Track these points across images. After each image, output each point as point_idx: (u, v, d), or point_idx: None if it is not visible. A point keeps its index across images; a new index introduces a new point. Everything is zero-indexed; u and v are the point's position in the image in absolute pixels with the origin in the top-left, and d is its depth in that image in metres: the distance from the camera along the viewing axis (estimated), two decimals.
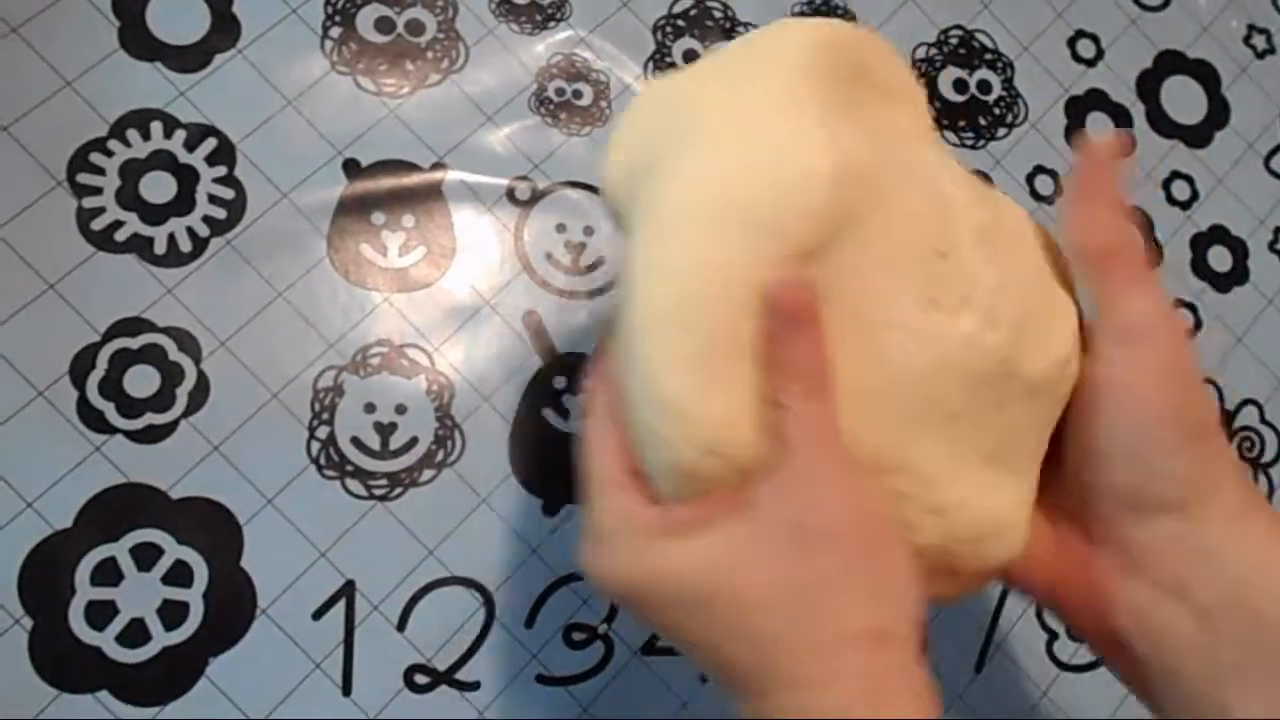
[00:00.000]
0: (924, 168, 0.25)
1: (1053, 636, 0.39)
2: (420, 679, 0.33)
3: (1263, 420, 0.44)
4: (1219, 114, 0.46)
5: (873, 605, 0.22)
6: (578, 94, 0.39)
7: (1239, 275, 0.45)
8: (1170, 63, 0.46)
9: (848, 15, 0.43)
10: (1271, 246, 0.46)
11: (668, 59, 0.40)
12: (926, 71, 0.43)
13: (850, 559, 0.22)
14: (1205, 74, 0.46)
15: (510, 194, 0.37)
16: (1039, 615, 0.39)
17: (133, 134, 0.35)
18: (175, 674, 0.31)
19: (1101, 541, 0.25)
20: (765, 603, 0.21)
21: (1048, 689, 0.39)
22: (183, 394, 0.33)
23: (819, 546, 0.21)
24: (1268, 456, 0.43)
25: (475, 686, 0.33)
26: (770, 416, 0.22)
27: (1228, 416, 0.43)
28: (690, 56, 0.41)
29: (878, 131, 0.25)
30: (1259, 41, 0.48)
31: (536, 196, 0.38)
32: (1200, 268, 0.44)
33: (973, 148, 0.43)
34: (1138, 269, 0.25)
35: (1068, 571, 0.26)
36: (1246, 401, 0.44)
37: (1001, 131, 0.43)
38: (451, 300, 0.36)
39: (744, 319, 0.22)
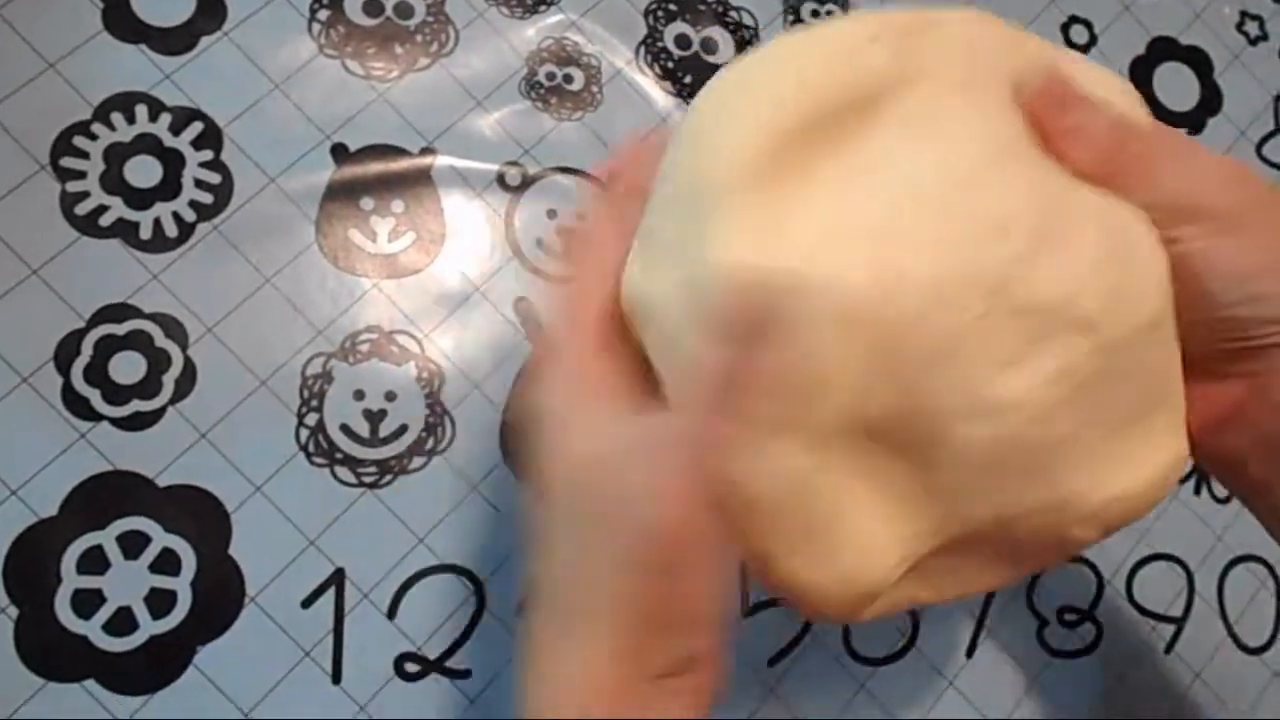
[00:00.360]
0: None
1: (1043, 623, 0.39)
2: (410, 667, 0.33)
3: None
4: (1211, 101, 0.46)
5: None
6: (569, 78, 0.39)
7: None
8: (1163, 49, 0.46)
9: (840, 2, 0.43)
10: None
11: (659, 43, 0.40)
12: None
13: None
14: (1198, 60, 0.46)
15: (500, 179, 0.37)
16: (1029, 601, 0.39)
17: (117, 117, 0.34)
18: (163, 663, 0.31)
19: (1231, 377, 0.25)
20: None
21: (1038, 674, 0.39)
22: (169, 381, 0.33)
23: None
24: None
25: (466, 675, 0.33)
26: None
27: None
28: (682, 41, 0.40)
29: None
30: (1251, 28, 0.47)
31: (527, 182, 0.37)
32: None
33: None
34: (1153, 152, 0.24)
35: (1209, 410, 0.26)
36: None
37: None
38: (441, 287, 0.36)
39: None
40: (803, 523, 0.23)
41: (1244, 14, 0.48)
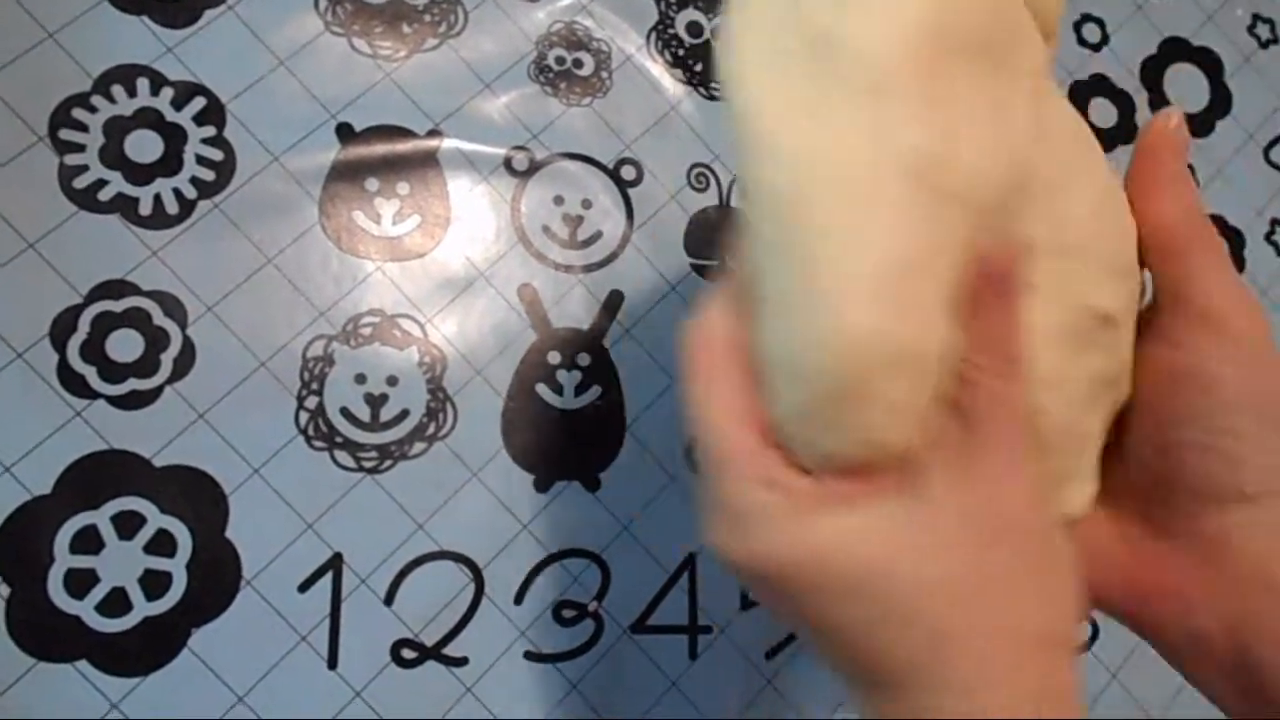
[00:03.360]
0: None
1: None
2: (407, 653, 0.33)
3: None
4: (1221, 103, 0.46)
5: (1045, 608, 0.20)
6: (578, 63, 0.38)
7: (1235, 265, 0.45)
8: (1174, 50, 0.46)
9: None
10: (1268, 238, 0.46)
11: (670, 29, 0.40)
12: None
13: (1027, 557, 0.20)
14: (1209, 62, 0.46)
15: (508, 164, 0.37)
16: None
17: (118, 90, 0.33)
18: (157, 644, 0.31)
19: (1177, 536, 0.24)
20: (943, 591, 0.19)
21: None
22: (167, 360, 0.32)
23: (998, 539, 0.20)
24: None
25: (463, 662, 0.33)
26: (955, 389, 0.20)
27: None
28: (694, 28, 0.40)
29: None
30: (1263, 31, 0.47)
31: (534, 167, 0.37)
32: None
33: None
34: (1218, 252, 0.24)
35: (1143, 574, 0.25)
36: None
37: None
38: (445, 271, 0.35)
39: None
40: None
41: (1256, 17, 0.47)
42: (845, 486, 0.20)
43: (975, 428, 0.20)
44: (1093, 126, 0.44)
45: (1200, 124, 0.46)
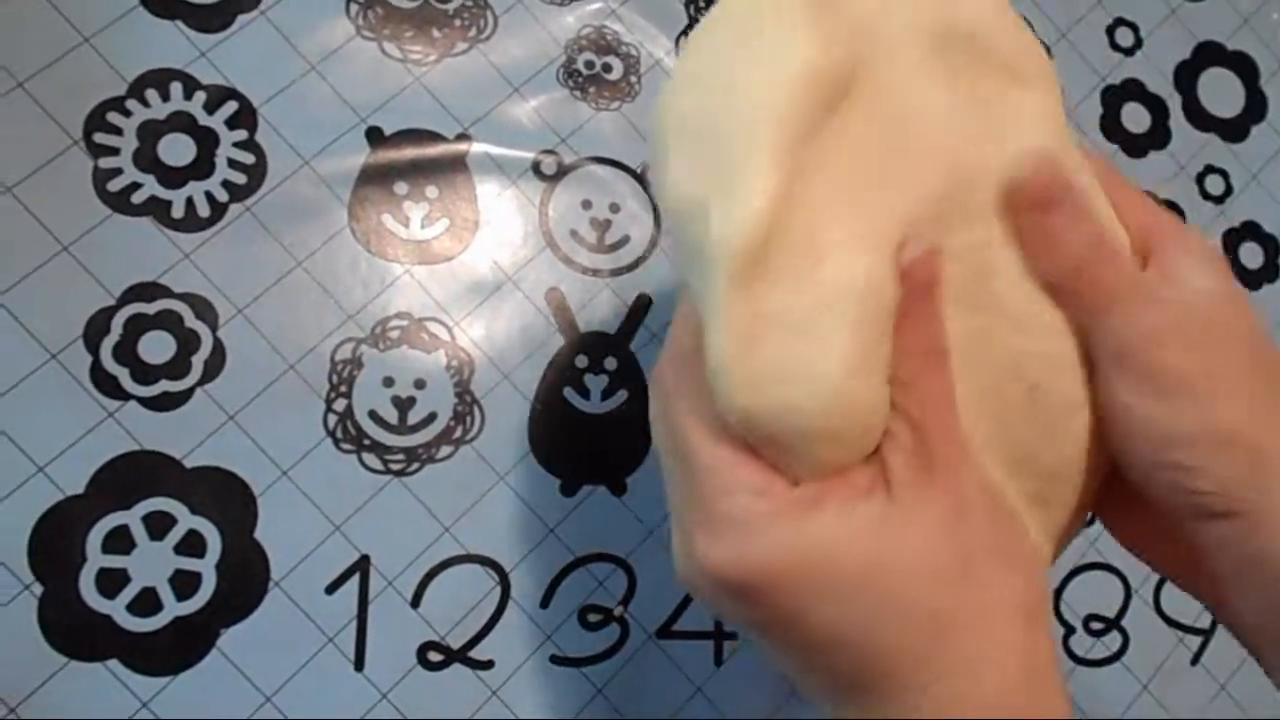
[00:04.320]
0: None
1: (1070, 630, 0.39)
2: (433, 656, 0.33)
3: None
4: (1256, 108, 0.45)
5: (1017, 576, 0.21)
6: (607, 67, 0.38)
7: (1270, 272, 0.44)
8: (1209, 54, 0.45)
9: None
10: None
11: None
12: None
13: (994, 535, 0.21)
14: (1244, 67, 0.46)
15: (536, 168, 0.37)
16: (1056, 608, 0.39)
17: (151, 94, 0.34)
18: (186, 644, 0.31)
19: (1173, 540, 0.24)
20: (936, 578, 0.20)
21: (1063, 682, 0.38)
22: (199, 362, 0.32)
23: (966, 521, 0.20)
24: None
25: (489, 665, 0.33)
26: (895, 392, 0.21)
27: None
28: None
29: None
30: None
31: (563, 171, 0.37)
32: (1232, 264, 0.44)
33: None
34: (1114, 283, 0.23)
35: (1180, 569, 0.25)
36: None
37: None
38: (473, 275, 0.35)
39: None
40: None
41: None
42: (824, 491, 0.21)
43: (919, 425, 0.21)
44: (1125, 132, 0.43)
45: (1235, 129, 0.45)
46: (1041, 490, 0.24)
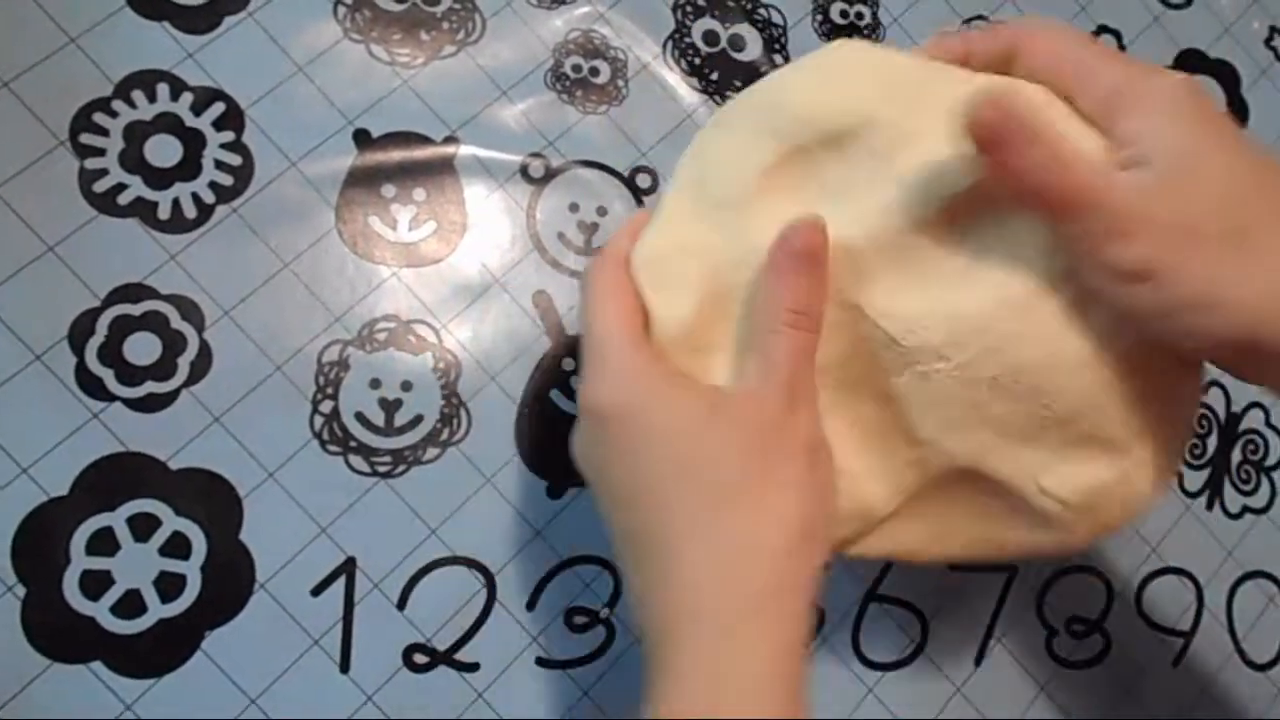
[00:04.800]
0: None
1: (1052, 633, 0.39)
2: (419, 658, 0.33)
3: (1268, 424, 0.44)
4: (1237, 115, 0.46)
5: (809, 504, 0.25)
6: (595, 71, 0.38)
7: None
8: (1191, 62, 0.46)
9: (870, 2, 0.42)
10: None
11: (686, 38, 0.40)
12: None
13: (803, 472, 0.25)
14: (1225, 74, 0.46)
15: (524, 171, 0.37)
16: (1039, 611, 0.39)
17: (138, 95, 0.34)
18: (170, 646, 0.31)
19: None
20: (733, 459, 0.24)
21: (1045, 684, 0.39)
22: (184, 363, 0.32)
23: (781, 433, 0.25)
24: (1270, 460, 0.44)
25: (474, 668, 0.33)
26: (760, 339, 0.25)
27: (1233, 419, 0.43)
28: (710, 37, 0.40)
29: None
30: None
31: (550, 174, 0.37)
32: None
33: None
34: (1069, 194, 0.23)
35: None
36: (1253, 404, 0.44)
37: None
38: (461, 277, 0.36)
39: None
40: None
41: (1273, 29, 0.47)
42: (691, 372, 0.26)
43: (773, 365, 0.25)
44: None
45: None
46: (1086, 442, 0.26)
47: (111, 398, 0.32)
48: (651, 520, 0.25)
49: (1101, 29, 0.45)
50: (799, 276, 0.25)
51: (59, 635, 0.30)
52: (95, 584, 0.30)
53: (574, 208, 0.37)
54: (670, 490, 0.24)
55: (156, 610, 0.31)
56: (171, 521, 0.31)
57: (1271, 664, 0.41)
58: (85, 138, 0.33)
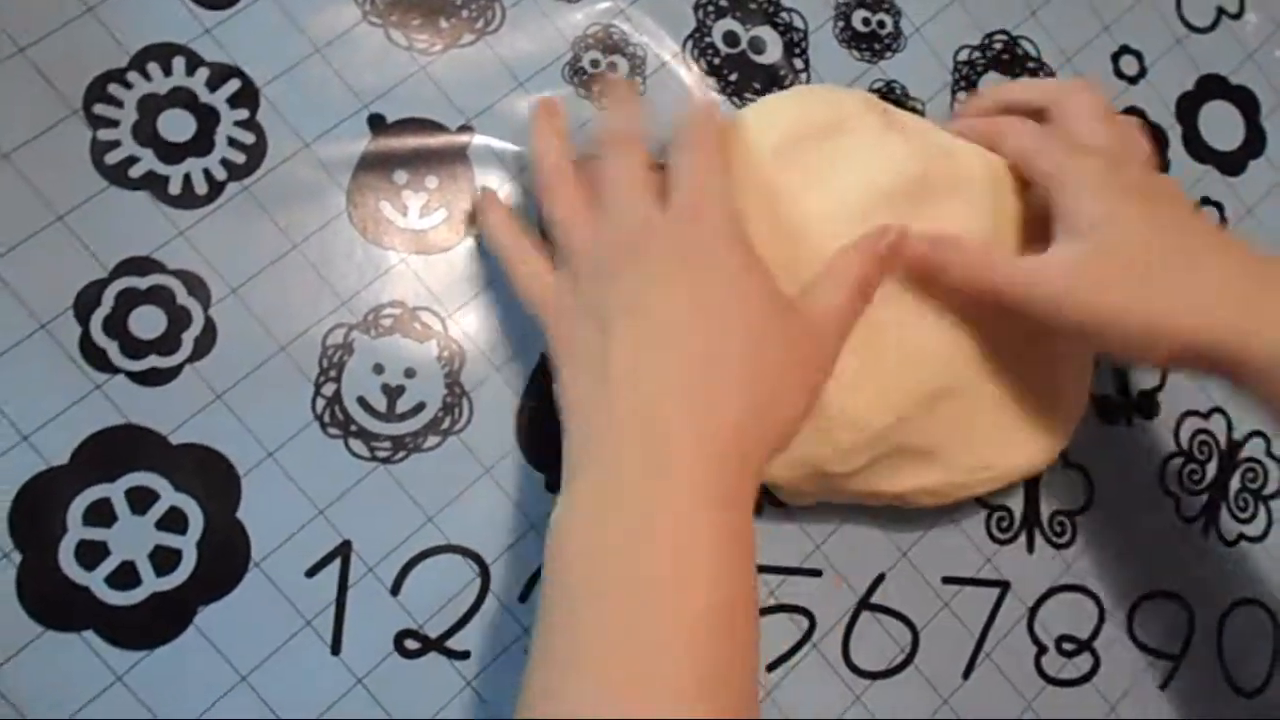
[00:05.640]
0: None
1: (1042, 649, 0.39)
2: (410, 644, 0.33)
3: (1269, 453, 0.44)
4: (1256, 143, 0.46)
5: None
6: (613, 67, 0.38)
7: None
8: (1212, 87, 0.46)
9: (893, 11, 0.42)
10: None
11: (706, 38, 0.40)
12: (967, 74, 0.43)
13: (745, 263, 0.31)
14: (1245, 101, 0.46)
15: None
16: (1030, 627, 0.39)
17: (153, 68, 0.34)
18: (163, 620, 0.31)
19: None
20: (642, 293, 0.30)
21: (1033, 700, 0.39)
22: (189, 339, 0.32)
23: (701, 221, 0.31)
24: (1270, 489, 0.44)
25: (465, 656, 0.33)
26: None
27: (1234, 446, 0.43)
28: (730, 38, 0.40)
29: None
30: None
31: None
32: None
33: None
34: (999, 287, 0.32)
35: None
36: (1254, 433, 0.44)
37: None
38: (469, 267, 0.35)
39: None
40: None
41: None
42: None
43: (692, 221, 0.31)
44: None
45: (1233, 163, 0.45)
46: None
47: (115, 370, 0.32)
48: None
49: (1124, 49, 0.45)
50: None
51: (53, 603, 0.30)
52: (91, 554, 0.30)
53: None
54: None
55: (151, 583, 0.31)
56: (170, 496, 0.31)
57: (1258, 691, 0.41)
58: (99, 108, 0.33)
